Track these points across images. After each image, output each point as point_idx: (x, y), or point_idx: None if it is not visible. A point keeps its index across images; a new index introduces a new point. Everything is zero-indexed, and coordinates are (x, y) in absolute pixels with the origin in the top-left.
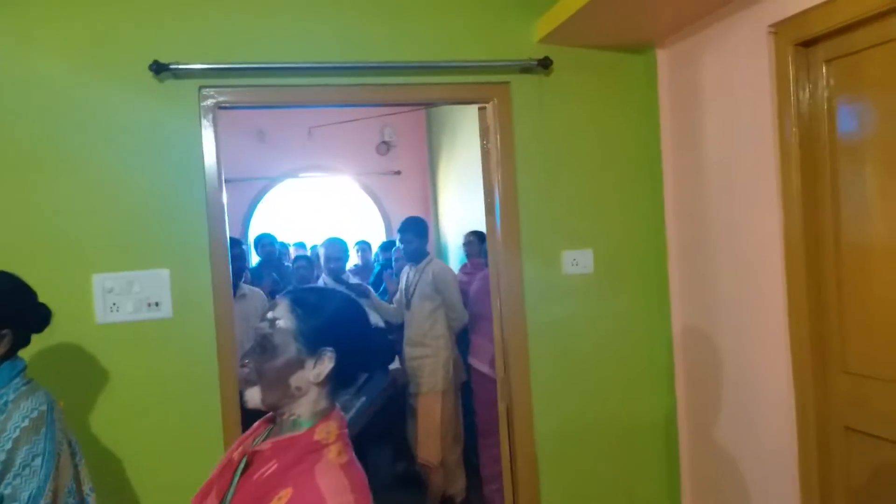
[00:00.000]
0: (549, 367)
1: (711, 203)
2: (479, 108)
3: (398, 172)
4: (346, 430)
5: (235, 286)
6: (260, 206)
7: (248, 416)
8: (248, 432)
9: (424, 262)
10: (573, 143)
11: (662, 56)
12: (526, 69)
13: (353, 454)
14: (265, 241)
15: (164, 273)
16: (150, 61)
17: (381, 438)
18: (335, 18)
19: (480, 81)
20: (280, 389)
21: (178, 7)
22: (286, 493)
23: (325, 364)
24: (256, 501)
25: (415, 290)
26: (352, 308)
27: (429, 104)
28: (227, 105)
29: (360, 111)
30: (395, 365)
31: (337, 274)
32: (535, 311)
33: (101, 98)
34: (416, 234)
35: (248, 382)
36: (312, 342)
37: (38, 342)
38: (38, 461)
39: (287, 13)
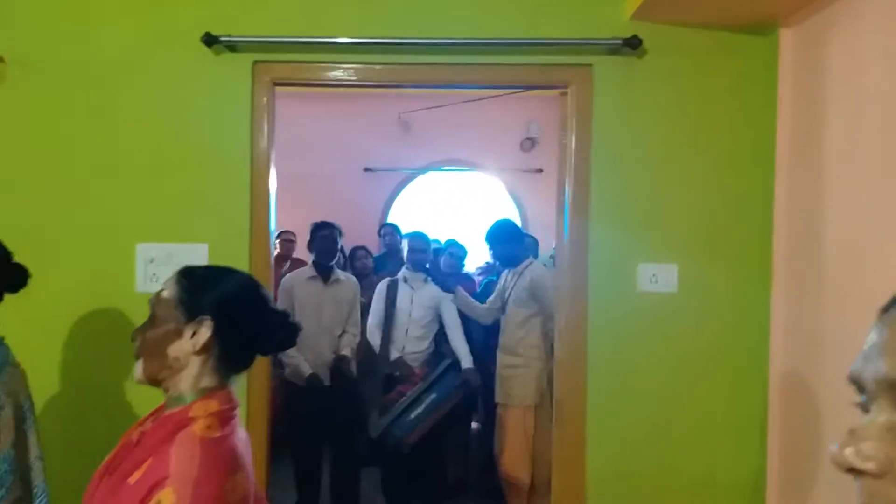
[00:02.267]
0: (610, 399)
1: (832, 223)
2: (560, 94)
3: (540, 171)
4: (232, 410)
5: (329, 270)
6: (400, 196)
7: (282, 396)
8: (149, 413)
9: (523, 265)
10: (663, 139)
11: (787, 37)
12: (612, 50)
13: (233, 433)
14: (387, 231)
15: (203, 247)
16: (203, 32)
17: (442, 439)
18: None
19: (559, 63)
20: (158, 360)
21: None
22: (146, 465)
23: (202, 333)
24: (126, 476)
25: (510, 294)
26: (243, 284)
27: (500, 87)
28: (283, 82)
29: (506, 103)
30: (468, 365)
31: (419, 265)
32: (599, 333)
33: (155, 69)
34: (500, 240)
35: (136, 358)
36: (191, 310)
37: (80, 305)
38: None
39: None
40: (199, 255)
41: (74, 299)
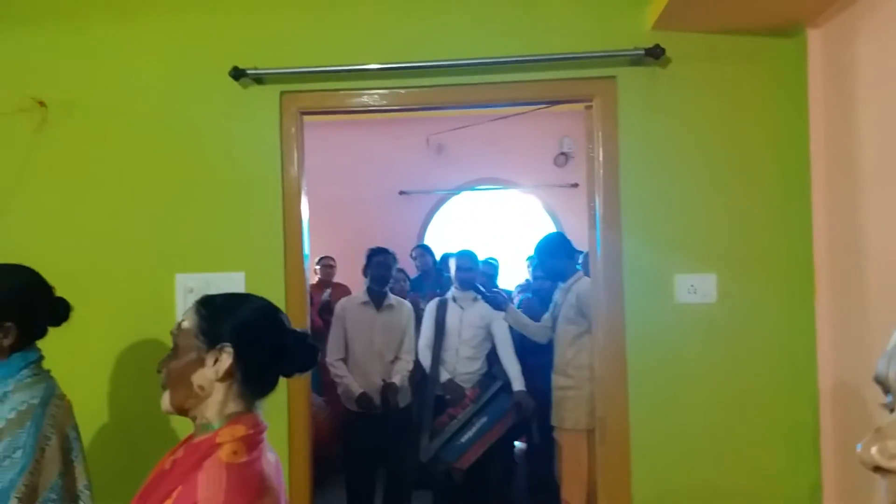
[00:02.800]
0: (654, 418)
1: (873, 226)
2: (585, 108)
3: (575, 185)
4: (259, 434)
5: (382, 296)
6: (436, 217)
7: (338, 418)
8: (181, 441)
9: (572, 279)
10: (693, 147)
11: (815, 37)
12: (635, 61)
13: (261, 458)
14: (418, 253)
15: (240, 276)
16: (231, 67)
17: (492, 462)
18: (416, 16)
19: (582, 77)
20: (183, 389)
21: (259, 10)
22: (176, 493)
23: (224, 360)
24: (159, 502)
25: (560, 311)
26: (260, 309)
27: (527, 104)
28: (310, 111)
29: (538, 119)
30: (520, 387)
31: (468, 284)
32: (638, 347)
33: (186, 105)
34: (548, 252)
35: (163, 388)
36: (211, 338)
37: (123, 337)
38: (18, 454)
39: (368, 14)
40: (236, 283)
41: (117, 331)
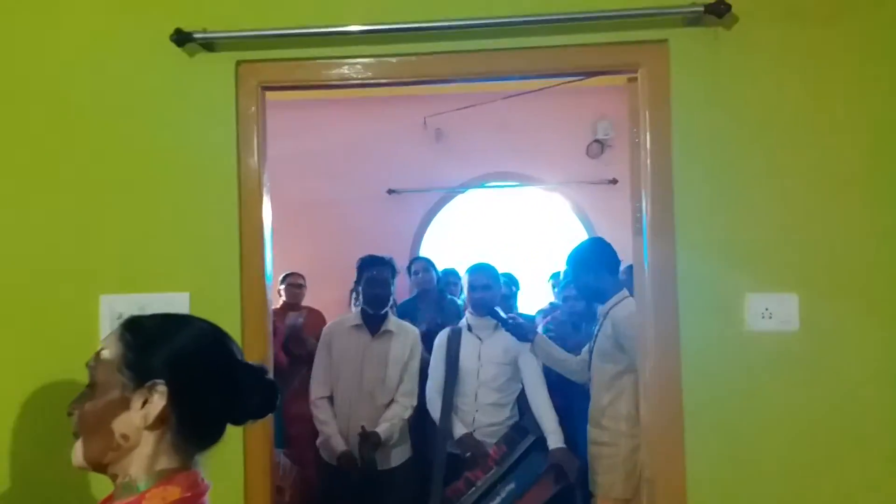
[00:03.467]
0: (719, 482)
1: None
2: (628, 81)
3: (614, 181)
4: (198, 498)
5: (380, 319)
6: (433, 223)
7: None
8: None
9: (611, 301)
10: (768, 132)
11: None
12: (692, 20)
13: None
14: (420, 267)
15: (183, 298)
16: (173, 30)
17: None
18: None
19: (624, 40)
20: (102, 439)
21: None
22: None
23: (155, 402)
24: None
25: (594, 343)
26: (202, 334)
27: (552, 76)
28: (274, 85)
29: (565, 96)
30: (558, 443)
31: (485, 307)
32: (697, 389)
33: (115, 78)
34: (585, 265)
35: (75, 437)
36: (139, 373)
37: (31, 375)
38: None
39: None
40: (178, 307)
41: (22, 368)
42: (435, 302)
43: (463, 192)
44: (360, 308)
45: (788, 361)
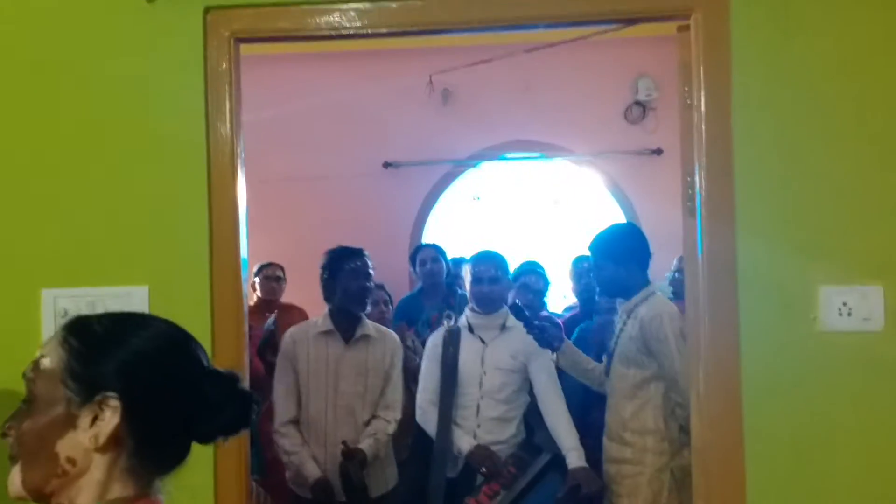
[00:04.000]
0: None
1: None
2: (678, 31)
3: (658, 151)
4: None
5: (354, 322)
6: (439, 203)
7: None
8: None
9: (637, 298)
10: (849, 92)
11: None
12: None
13: None
14: (428, 255)
15: (142, 292)
16: None
17: None
18: None
19: None
20: (44, 464)
21: None
22: None
23: (107, 420)
24: None
25: (615, 345)
26: (163, 337)
27: (584, 24)
28: (251, 37)
29: (600, 49)
30: (579, 462)
31: (491, 303)
32: (760, 398)
33: (63, 31)
34: (613, 255)
35: (11, 461)
36: (87, 385)
37: None
38: None
39: None
40: (135, 303)
41: None
42: (443, 298)
43: (475, 165)
44: (328, 311)
45: (871, 367)
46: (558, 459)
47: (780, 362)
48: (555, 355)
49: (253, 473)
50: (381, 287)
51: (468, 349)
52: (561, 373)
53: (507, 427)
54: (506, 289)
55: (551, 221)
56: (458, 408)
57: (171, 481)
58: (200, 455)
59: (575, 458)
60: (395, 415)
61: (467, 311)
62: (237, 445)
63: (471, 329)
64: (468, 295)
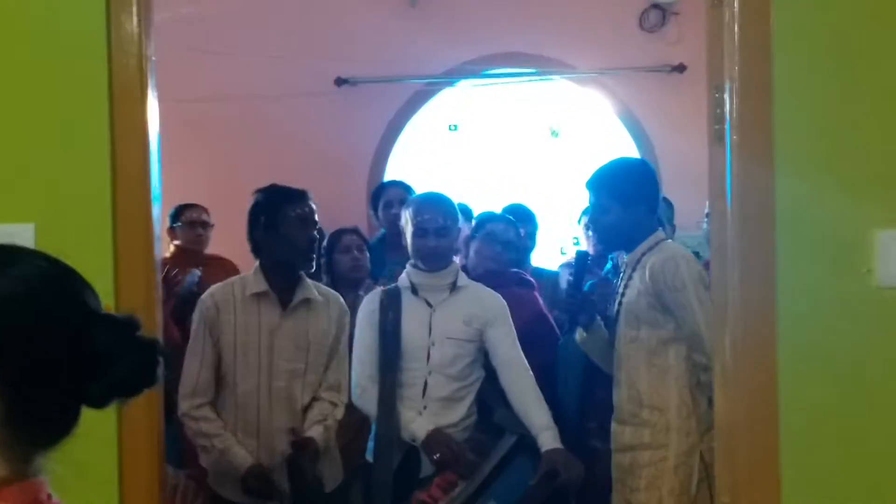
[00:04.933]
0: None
1: None
2: None
3: (681, 68)
4: None
5: (293, 281)
6: (409, 129)
7: None
8: None
9: (641, 248)
10: None
11: None
12: None
13: None
14: (393, 195)
15: (26, 232)
16: None
17: None
18: None
19: None
20: None
21: None
22: None
23: None
24: None
25: (619, 306)
26: (39, 276)
27: None
28: None
29: None
30: (553, 443)
31: (438, 258)
32: (800, 370)
33: None
34: (613, 198)
35: None
36: None
37: None
38: None
39: None
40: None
41: None
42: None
43: (452, 84)
44: (259, 267)
45: None
46: (526, 441)
47: (827, 326)
48: (581, 333)
49: (170, 463)
50: (354, 231)
51: (412, 315)
52: (558, 343)
53: (458, 407)
54: (455, 240)
55: (547, 156)
56: (401, 386)
57: (59, 459)
58: (101, 433)
59: (549, 438)
60: (343, 397)
61: (409, 268)
62: (147, 421)
63: (414, 290)
64: (409, 249)
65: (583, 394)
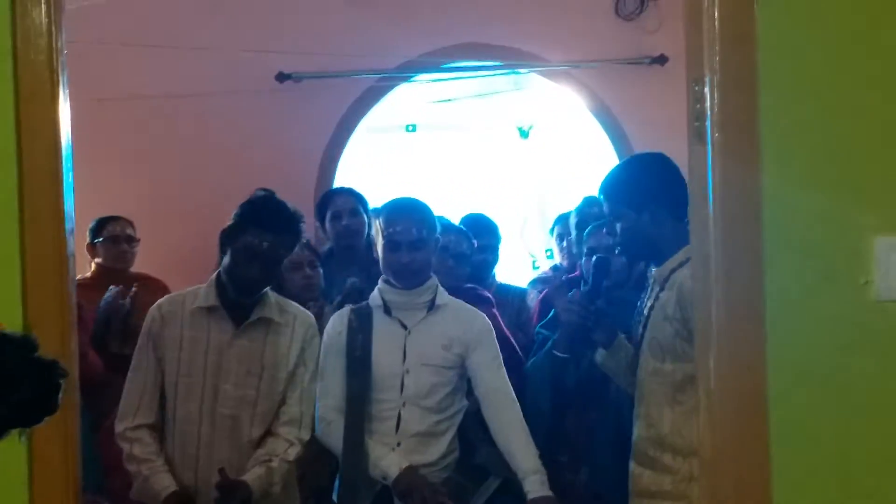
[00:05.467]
0: None
1: None
2: None
3: (661, 59)
4: None
5: (250, 296)
6: (361, 130)
7: None
8: None
9: (670, 263)
10: None
11: None
12: None
13: None
14: (341, 205)
15: None
16: None
17: None
18: None
19: None
20: None
21: None
22: None
23: None
24: None
25: (644, 328)
26: None
27: None
28: None
29: None
30: (541, 490)
31: (414, 275)
32: (790, 390)
33: None
34: (633, 201)
35: None
36: None
37: None
38: None
39: None
40: None
41: None
42: (363, 264)
43: (409, 79)
44: (215, 279)
45: None
46: (511, 485)
47: (821, 343)
48: (601, 353)
49: (86, 490)
50: (304, 244)
51: (384, 338)
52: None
53: (437, 444)
54: (433, 252)
55: (516, 158)
56: (371, 419)
57: None
58: (8, 465)
59: (536, 484)
60: (303, 433)
61: (381, 285)
62: (61, 449)
63: (386, 309)
64: (381, 263)
65: (553, 424)
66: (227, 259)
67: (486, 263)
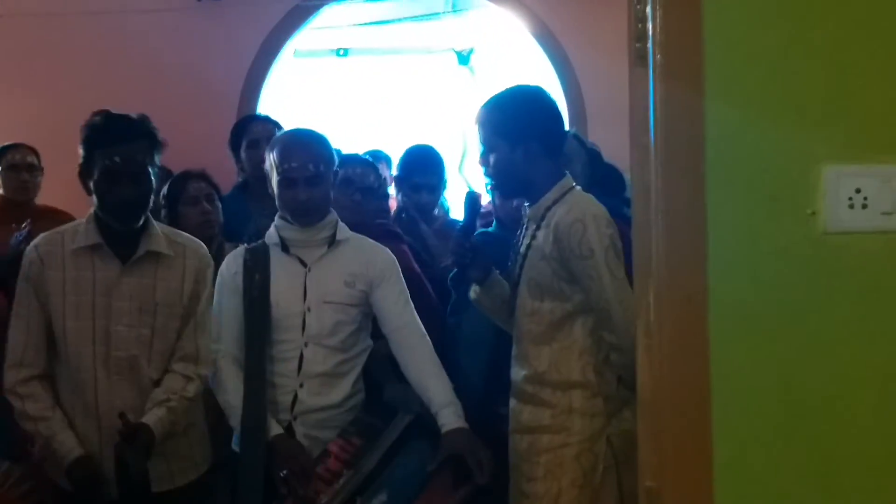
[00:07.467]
0: (767, 479)
1: None
2: None
3: None
4: None
5: (137, 231)
6: (286, 54)
7: None
8: None
9: (546, 200)
10: None
11: None
12: None
13: None
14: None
15: None
16: None
17: None
18: None
19: None
20: None
21: None
22: None
23: None
24: None
25: (520, 269)
26: None
27: None
28: None
29: None
30: (456, 423)
31: (314, 210)
32: (734, 333)
33: None
34: (506, 135)
35: None
36: None
37: None
38: None
39: None
40: None
41: None
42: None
43: (339, 0)
44: (93, 214)
45: None
46: (424, 421)
47: (766, 278)
48: (475, 290)
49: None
50: (202, 176)
51: (283, 276)
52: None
53: (341, 385)
54: (332, 186)
55: (455, 86)
56: (272, 361)
57: None
58: None
59: (450, 416)
60: (201, 369)
61: (277, 221)
62: None
63: (284, 247)
64: (276, 200)
65: (490, 373)
66: (94, 196)
67: (430, 201)
